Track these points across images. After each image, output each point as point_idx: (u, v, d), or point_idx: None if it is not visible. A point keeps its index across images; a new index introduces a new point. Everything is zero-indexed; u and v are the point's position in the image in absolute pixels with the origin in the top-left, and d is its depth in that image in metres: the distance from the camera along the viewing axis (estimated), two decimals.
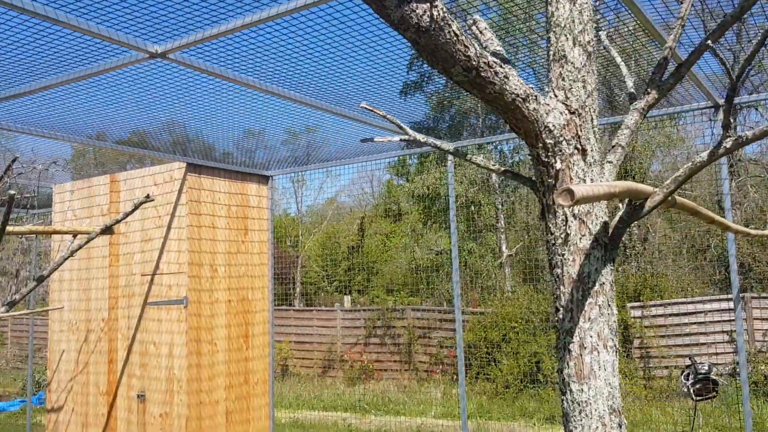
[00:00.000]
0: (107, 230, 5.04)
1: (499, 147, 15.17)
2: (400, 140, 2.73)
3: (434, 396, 11.87)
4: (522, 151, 16.54)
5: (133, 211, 5.08)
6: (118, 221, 4.99)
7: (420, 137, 2.71)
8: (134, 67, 4.27)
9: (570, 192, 2.00)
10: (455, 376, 12.74)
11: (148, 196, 5.08)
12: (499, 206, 15.88)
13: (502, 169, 2.60)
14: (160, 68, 4.36)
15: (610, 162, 2.64)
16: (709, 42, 2.44)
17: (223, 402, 6.33)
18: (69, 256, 4.80)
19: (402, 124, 2.71)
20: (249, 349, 6.69)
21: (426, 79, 5.98)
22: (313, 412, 11.10)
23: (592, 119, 2.56)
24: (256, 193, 7.04)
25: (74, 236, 5.16)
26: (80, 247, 4.88)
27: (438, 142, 2.72)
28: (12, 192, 3.91)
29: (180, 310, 6.11)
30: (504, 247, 15.85)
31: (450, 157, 6.37)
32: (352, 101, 5.26)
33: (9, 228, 5.12)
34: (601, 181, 2.54)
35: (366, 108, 2.73)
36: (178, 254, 6.22)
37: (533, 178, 2.61)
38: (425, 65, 5.63)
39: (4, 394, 13.66)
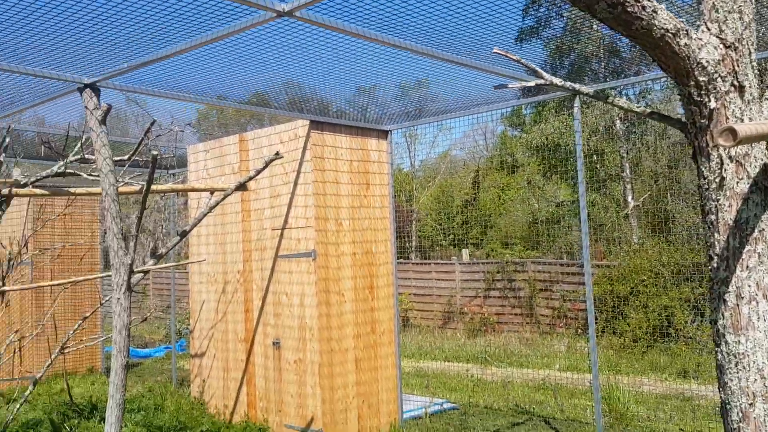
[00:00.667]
0: (241, 187, 5.27)
1: (624, 92, 14.40)
2: (535, 85, 2.65)
3: (558, 349, 11.72)
4: (648, 95, 15.63)
5: (264, 167, 5.28)
6: (251, 178, 5.21)
7: (557, 81, 2.62)
8: (257, 28, 4.36)
9: (732, 131, 1.86)
10: (579, 330, 12.49)
11: (277, 154, 5.26)
12: (624, 155, 15.16)
13: (648, 111, 2.46)
14: (279, 27, 4.43)
15: None
16: None
17: (352, 350, 6.56)
18: (208, 212, 5.07)
19: (537, 68, 2.62)
20: (374, 300, 6.86)
21: (543, 24, 5.71)
22: (435, 362, 11.30)
23: (749, 53, 2.36)
24: (376, 147, 7.11)
25: (211, 193, 5.45)
26: (217, 203, 5.15)
27: (576, 86, 2.61)
28: (154, 152, 4.17)
29: (309, 263, 6.34)
30: (630, 198, 15.17)
31: (576, 104, 6.11)
32: (466, 50, 5.14)
33: (152, 187, 5.47)
34: (760, 119, 2.35)
35: (499, 53, 2.66)
36: (305, 209, 6.43)
37: (682, 119, 2.45)
38: (541, 9, 5.38)
39: (150, 341, 14.88)
